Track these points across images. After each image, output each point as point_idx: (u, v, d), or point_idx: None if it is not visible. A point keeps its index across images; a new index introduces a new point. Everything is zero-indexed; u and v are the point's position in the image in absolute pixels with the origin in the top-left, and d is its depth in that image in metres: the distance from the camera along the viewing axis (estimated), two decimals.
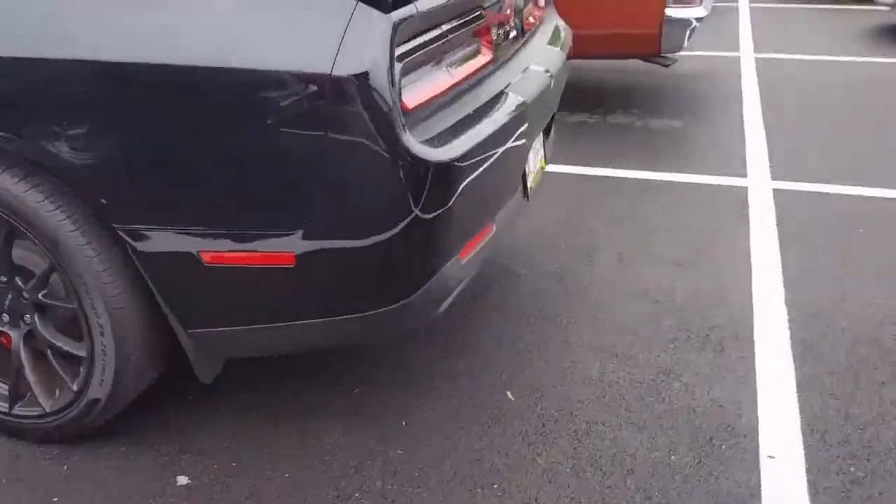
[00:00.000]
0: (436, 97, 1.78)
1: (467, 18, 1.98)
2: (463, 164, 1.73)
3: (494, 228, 2.13)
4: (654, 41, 4.57)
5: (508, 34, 2.35)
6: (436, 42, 1.80)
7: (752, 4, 9.38)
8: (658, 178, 3.93)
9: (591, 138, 4.60)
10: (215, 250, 1.72)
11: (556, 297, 2.79)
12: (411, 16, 1.64)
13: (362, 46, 1.53)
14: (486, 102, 1.98)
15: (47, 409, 1.97)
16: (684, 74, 6.10)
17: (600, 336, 2.54)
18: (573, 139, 4.58)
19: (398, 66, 1.60)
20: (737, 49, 6.92)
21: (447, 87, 1.83)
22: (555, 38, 2.79)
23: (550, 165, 4.12)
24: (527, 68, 2.37)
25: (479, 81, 2.07)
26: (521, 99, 2.08)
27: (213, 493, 1.91)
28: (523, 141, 2.13)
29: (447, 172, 1.67)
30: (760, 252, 3.10)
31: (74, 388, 1.93)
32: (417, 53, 1.71)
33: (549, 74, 2.38)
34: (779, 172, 3.95)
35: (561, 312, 2.69)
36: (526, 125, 2.11)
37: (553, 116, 2.69)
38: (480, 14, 2.08)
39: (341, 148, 1.59)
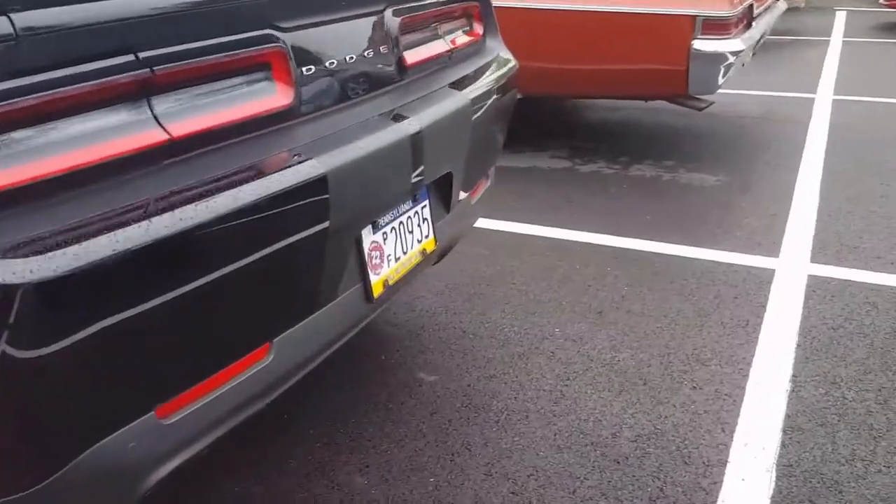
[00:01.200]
0: (90, 167, 1.10)
1: (214, 44, 1.31)
2: (87, 282, 1.03)
3: (272, 356, 1.42)
4: (680, 80, 3.73)
5: (362, 70, 1.66)
6: (97, 79, 1.13)
7: (847, 38, 8.25)
8: (667, 252, 3.09)
9: (601, 194, 3.80)
10: None
11: (451, 428, 2.02)
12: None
13: None
14: (239, 173, 1.29)
15: None
16: (741, 118, 5.17)
17: (483, 501, 1.77)
18: (579, 194, 3.79)
19: None
20: (814, 89, 5.91)
21: (127, 150, 1.14)
22: (473, 77, 2.07)
23: (529, 226, 3.35)
24: (392, 115, 1.67)
25: (261, 136, 1.38)
26: (317, 168, 1.37)
27: None
28: (327, 229, 1.42)
29: (40, 295, 0.99)
30: (764, 373, 2.23)
31: None
32: (32, 97, 1.04)
33: (417, 128, 1.66)
34: (822, 253, 3.03)
35: (445, 455, 1.93)
36: (330, 207, 1.40)
37: (451, 184, 1.96)
38: (269, 37, 1.41)
39: None
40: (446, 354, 2.37)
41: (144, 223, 1.11)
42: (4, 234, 0.99)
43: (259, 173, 1.29)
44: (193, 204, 1.18)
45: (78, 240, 1.03)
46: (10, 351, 1.00)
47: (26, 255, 0.98)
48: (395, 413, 2.09)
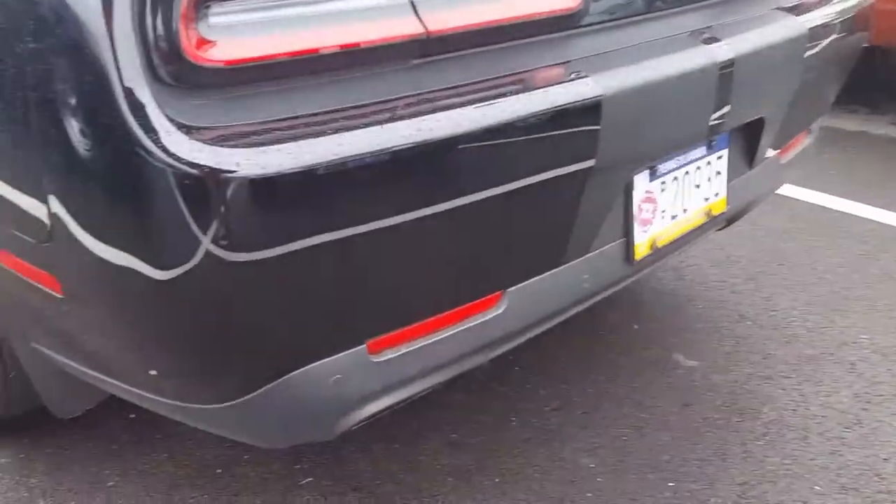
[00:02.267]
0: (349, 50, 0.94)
1: None
2: (312, 183, 0.88)
3: (504, 307, 1.20)
4: None
5: None
6: None
7: None
8: None
9: None
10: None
11: (705, 427, 1.67)
12: None
13: None
14: (493, 87, 1.06)
15: None
16: None
17: None
18: None
19: None
20: None
21: (385, 37, 0.97)
22: (815, 3, 1.62)
23: (847, 202, 2.73)
24: (701, 35, 1.34)
25: (530, 45, 1.14)
26: (592, 90, 1.10)
27: None
28: (591, 167, 1.15)
29: (246, 193, 0.85)
30: None
31: None
32: None
33: (730, 56, 1.31)
34: None
35: (692, 459, 1.60)
36: (599, 140, 1.12)
37: (760, 133, 1.55)
38: None
39: (67, 113, 0.87)
40: (714, 339, 2.00)
41: (376, 129, 0.94)
42: (219, 117, 0.87)
43: (517, 88, 1.06)
44: (435, 115, 0.98)
45: (296, 136, 0.89)
46: (215, 251, 0.89)
47: (236, 146, 0.85)
48: (639, 394, 1.80)
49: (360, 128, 0.92)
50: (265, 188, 0.86)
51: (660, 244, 1.42)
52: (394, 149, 0.93)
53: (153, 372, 1.09)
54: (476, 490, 1.54)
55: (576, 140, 1.12)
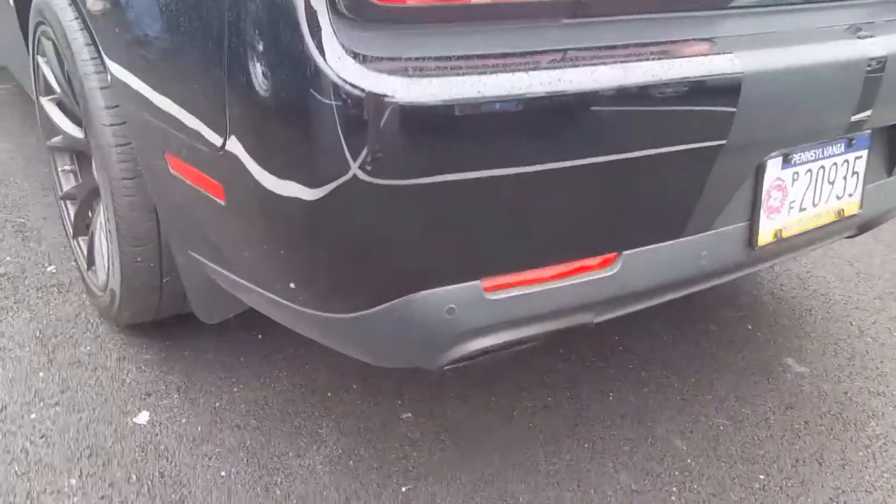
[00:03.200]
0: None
1: None
2: (475, 118, 0.98)
3: (618, 269, 1.25)
4: None
5: None
6: None
7: None
8: None
9: None
10: (174, 154, 1.31)
11: (805, 431, 1.64)
12: None
13: None
14: (633, 52, 1.10)
15: (97, 282, 1.86)
16: None
17: None
18: None
19: None
20: None
21: None
22: None
23: None
24: (854, 29, 1.33)
25: (677, 19, 1.18)
26: (733, 66, 1.12)
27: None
28: (722, 144, 1.17)
29: (396, 119, 0.94)
30: None
31: (104, 271, 1.77)
32: None
33: (881, 53, 1.29)
34: None
35: (787, 458, 1.58)
36: (734, 119, 1.15)
37: None
38: None
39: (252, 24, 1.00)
40: (829, 350, 1.95)
41: (519, 75, 1.01)
42: (381, 49, 0.97)
43: (658, 55, 1.10)
44: (576, 69, 1.04)
45: (445, 74, 0.98)
46: (361, 174, 1.00)
47: (393, 75, 0.95)
48: (743, 390, 1.79)
49: (503, 73, 1.00)
50: (412, 115, 0.95)
51: (785, 235, 1.42)
52: (530, 95, 1.00)
53: (292, 285, 1.22)
54: (565, 451, 1.60)
55: (710, 115, 1.15)
